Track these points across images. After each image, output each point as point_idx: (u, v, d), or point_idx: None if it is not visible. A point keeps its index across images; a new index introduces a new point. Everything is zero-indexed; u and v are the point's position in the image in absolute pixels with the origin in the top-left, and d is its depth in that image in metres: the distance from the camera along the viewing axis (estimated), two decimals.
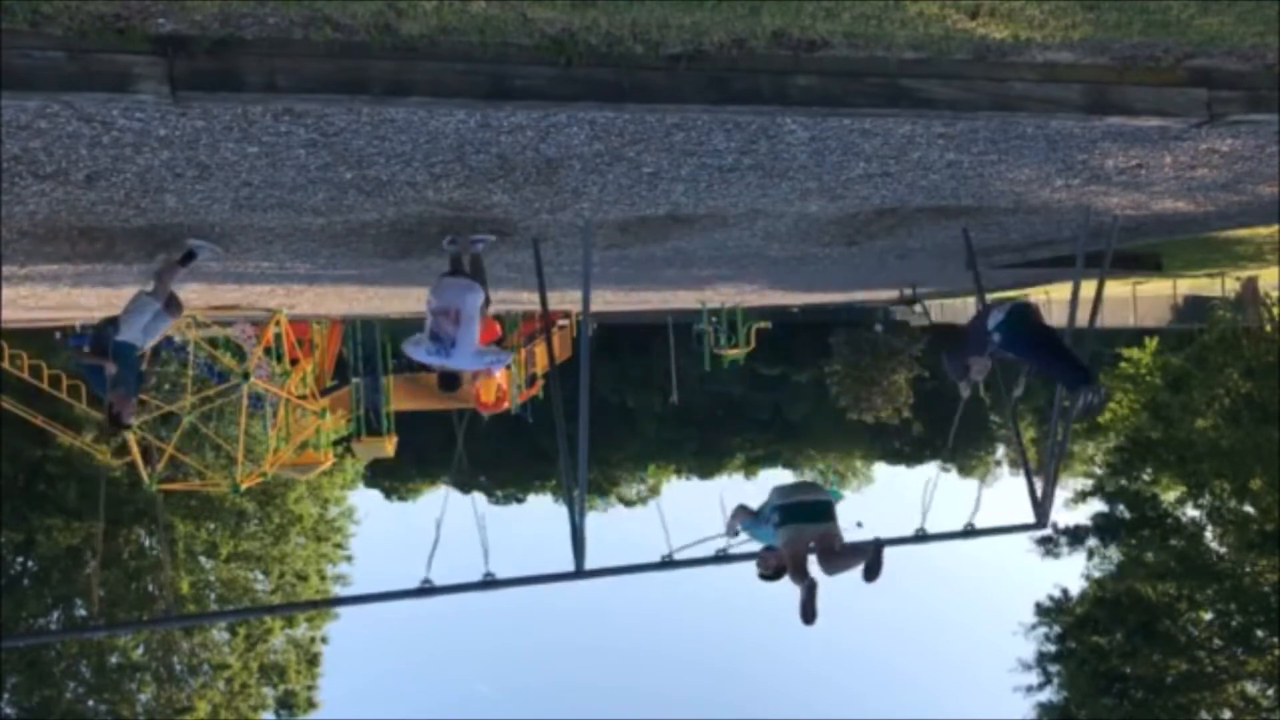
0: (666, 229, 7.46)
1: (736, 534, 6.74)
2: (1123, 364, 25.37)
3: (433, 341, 6.54)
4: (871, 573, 5.93)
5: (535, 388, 26.44)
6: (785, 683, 73.43)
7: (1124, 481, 23.96)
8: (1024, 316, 6.87)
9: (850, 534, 6.19)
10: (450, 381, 7.84)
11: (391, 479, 55.53)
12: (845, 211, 7.14)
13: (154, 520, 25.13)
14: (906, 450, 61.42)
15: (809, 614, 5.86)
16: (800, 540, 5.94)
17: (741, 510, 6.68)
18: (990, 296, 7.56)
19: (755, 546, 6.50)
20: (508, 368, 24.16)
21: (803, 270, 12.38)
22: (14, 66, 3.19)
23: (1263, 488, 20.28)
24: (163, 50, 3.32)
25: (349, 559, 33.67)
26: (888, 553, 6.07)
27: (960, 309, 35.94)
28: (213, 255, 6.96)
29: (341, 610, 32.13)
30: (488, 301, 6.90)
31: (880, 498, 64.43)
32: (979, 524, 7.58)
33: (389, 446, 25.18)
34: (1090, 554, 24.33)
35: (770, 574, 6.07)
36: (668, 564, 6.89)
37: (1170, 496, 23.41)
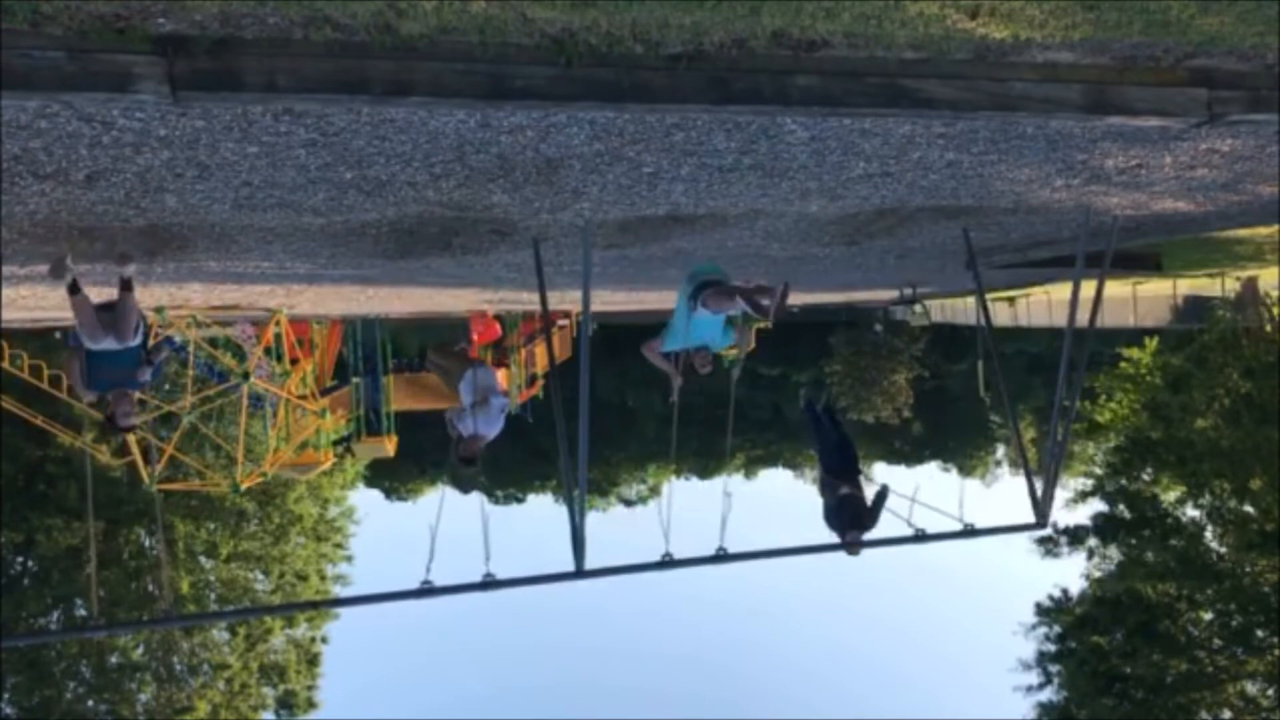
0: (666, 229, 7.46)
1: (669, 356, 7.05)
2: (1123, 364, 25.36)
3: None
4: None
5: (535, 388, 26.43)
6: (785, 683, 73.43)
7: (1124, 481, 23.94)
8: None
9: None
10: (470, 460, 8.00)
11: (391, 479, 55.52)
12: (845, 211, 7.14)
13: (154, 520, 25.12)
14: (906, 450, 61.42)
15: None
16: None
17: (652, 343, 7.10)
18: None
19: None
20: (508, 368, 24.19)
21: (803, 270, 12.38)
22: (14, 66, 3.19)
23: (1263, 488, 20.26)
24: (163, 50, 3.32)
25: (349, 559, 33.68)
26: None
27: (960, 309, 35.93)
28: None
29: (341, 610, 32.13)
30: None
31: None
32: (979, 524, 7.58)
33: (389, 446, 25.17)
34: (1090, 554, 24.32)
35: (711, 369, 6.73)
36: (668, 564, 6.90)
37: (1170, 496, 23.40)
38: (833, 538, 7.22)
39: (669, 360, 7.12)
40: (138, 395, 6.71)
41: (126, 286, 6.17)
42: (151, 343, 7.16)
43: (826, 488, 7.56)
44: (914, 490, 7.57)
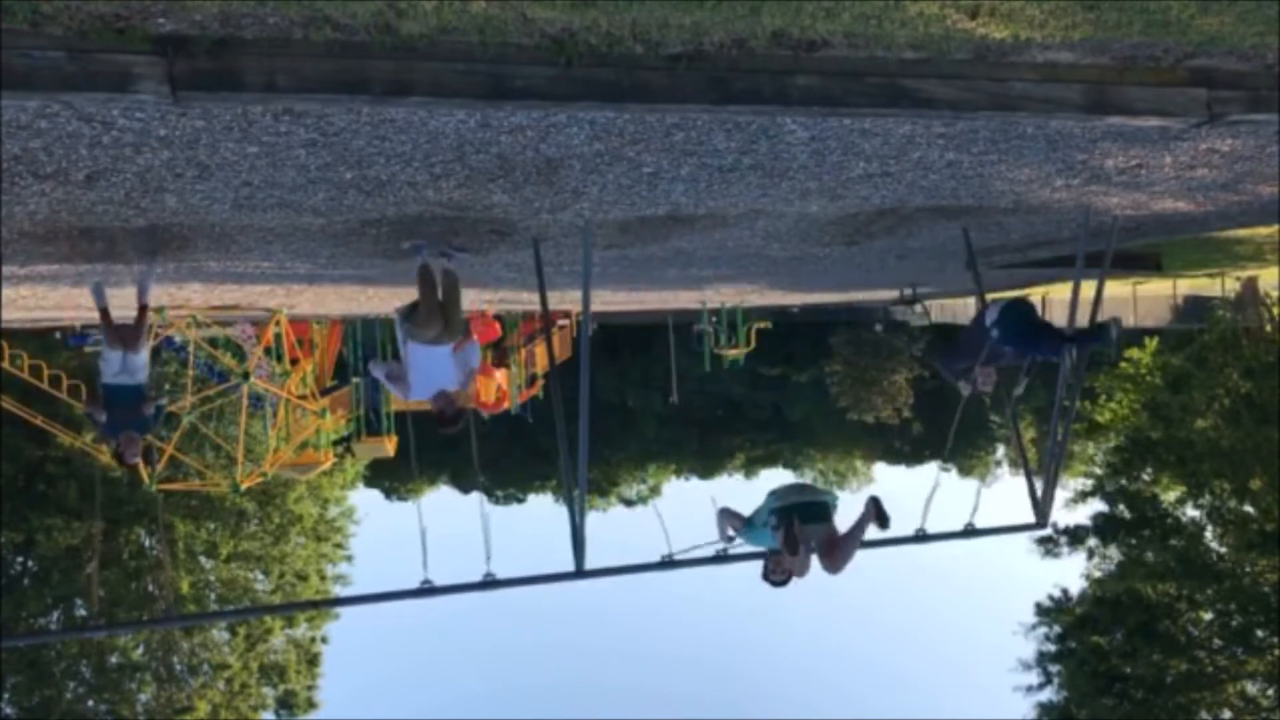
0: (666, 229, 7.46)
1: (731, 539, 6.64)
2: (1123, 364, 25.36)
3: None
4: (883, 520, 5.90)
5: (535, 388, 26.43)
6: (785, 683, 73.42)
7: (1124, 481, 23.95)
8: (1020, 310, 7.02)
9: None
10: (446, 419, 7.01)
11: (391, 479, 55.53)
12: (845, 211, 7.14)
13: (154, 520, 25.13)
14: (906, 450, 61.42)
15: (792, 562, 5.84)
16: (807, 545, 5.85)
17: (730, 515, 6.58)
18: (990, 296, 7.61)
19: (750, 548, 6.50)
20: (508, 368, 24.18)
21: (803, 270, 12.38)
22: (14, 66, 3.19)
23: (1263, 488, 20.27)
24: (163, 50, 3.32)
25: (349, 559, 33.69)
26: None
27: (960, 309, 35.93)
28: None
29: (341, 610, 32.14)
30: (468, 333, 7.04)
31: (880, 498, 64.26)
32: (979, 524, 7.58)
33: (389, 446, 25.17)
34: (1090, 554, 24.34)
35: (782, 580, 6.00)
36: (668, 564, 6.90)
37: (1170, 496, 23.41)
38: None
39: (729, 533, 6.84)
40: (143, 441, 7.67)
41: (143, 307, 7.41)
42: (150, 345, 7.80)
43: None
44: (931, 493, 7.53)
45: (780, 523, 5.90)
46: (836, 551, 5.87)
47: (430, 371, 6.80)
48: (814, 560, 5.89)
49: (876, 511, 5.86)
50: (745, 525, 6.40)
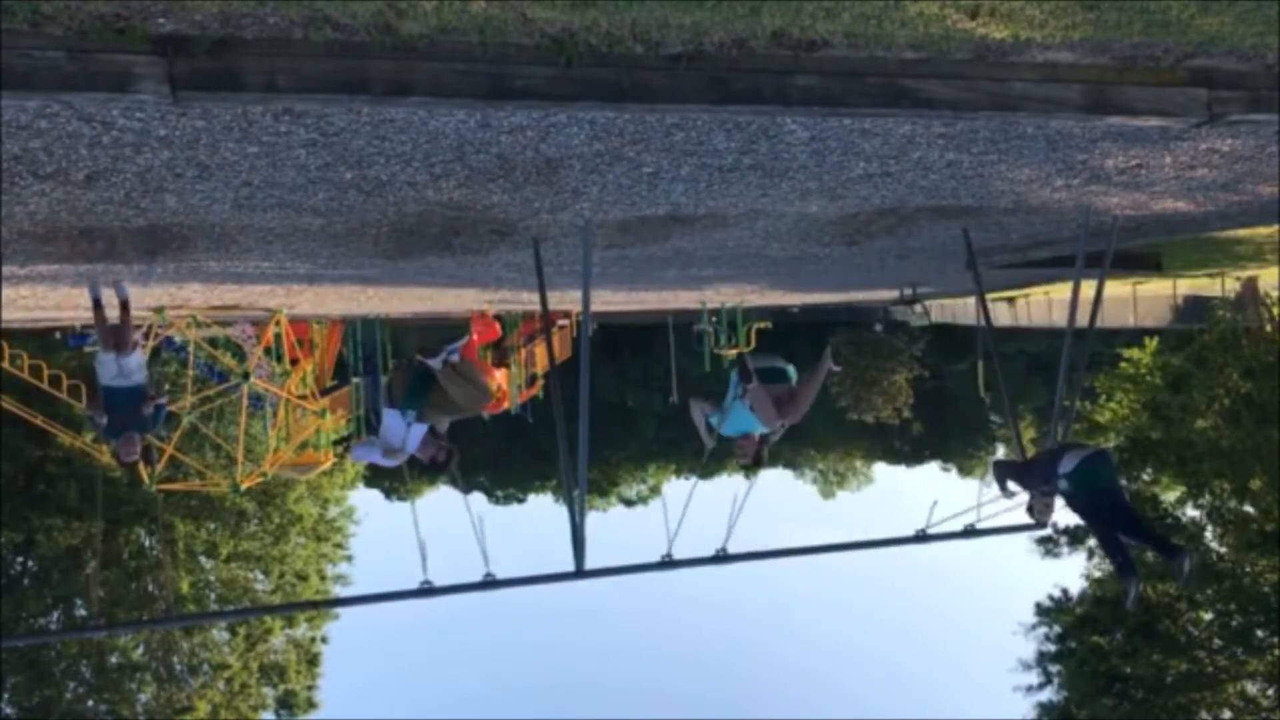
0: (666, 229, 7.46)
1: (711, 429, 7.08)
2: (1123, 364, 25.37)
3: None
4: (836, 361, 6.30)
5: (535, 388, 26.42)
6: (785, 683, 73.44)
7: (1124, 481, 23.96)
8: (1096, 475, 6.84)
9: None
10: (440, 465, 7.14)
11: (391, 479, 55.48)
12: (845, 211, 7.14)
13: (154, 520, 25.14)
14: (906, 450, 61.45)
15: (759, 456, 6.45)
16: (767, 392, 6.41)
17: (703, 407, 7.17)
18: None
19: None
20: (508, 368, 24.17)
21: (803, 270, 12.38)
22: (14, 66, 3.19)
23: (1263, 488, 20.27)
24: (163, 50, 3.31)
25: (349, 559, 33.70)
26: None
27: (960, 309, 35.94)
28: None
29: (341, 610, 32.15)
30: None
31: (880, 498, 64.49)
32: (979, 524, 7.58)
33: None
34: (1090, 554, 24.33)
35: (750, 462, 6.61)
36: (668, 564, 6.90)
37: (1170, 496, 23.41)
38: (816, 538, 7.19)
39: (708, 426, 7.12)
40: (142, 441, 7.66)
41: (124, 307, 6.95)
42: (151, 345, 7.79)
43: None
44: (979, 496, 7.52)
45: (741, 375, 6.48)
46: (796, 401, 6.30)
47: (400, 431, 6.99)
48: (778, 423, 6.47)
49: (832, 357, 6.31)
50: (717, 409, 6.73)
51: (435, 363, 6.85)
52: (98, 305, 6.96)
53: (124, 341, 7.44)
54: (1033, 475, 7.14)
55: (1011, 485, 7.32)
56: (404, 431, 6.81)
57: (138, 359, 7.61)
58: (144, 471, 17.39)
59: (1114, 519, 6.79)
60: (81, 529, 25.15)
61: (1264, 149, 5.71)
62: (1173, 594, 21.98)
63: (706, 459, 7.25)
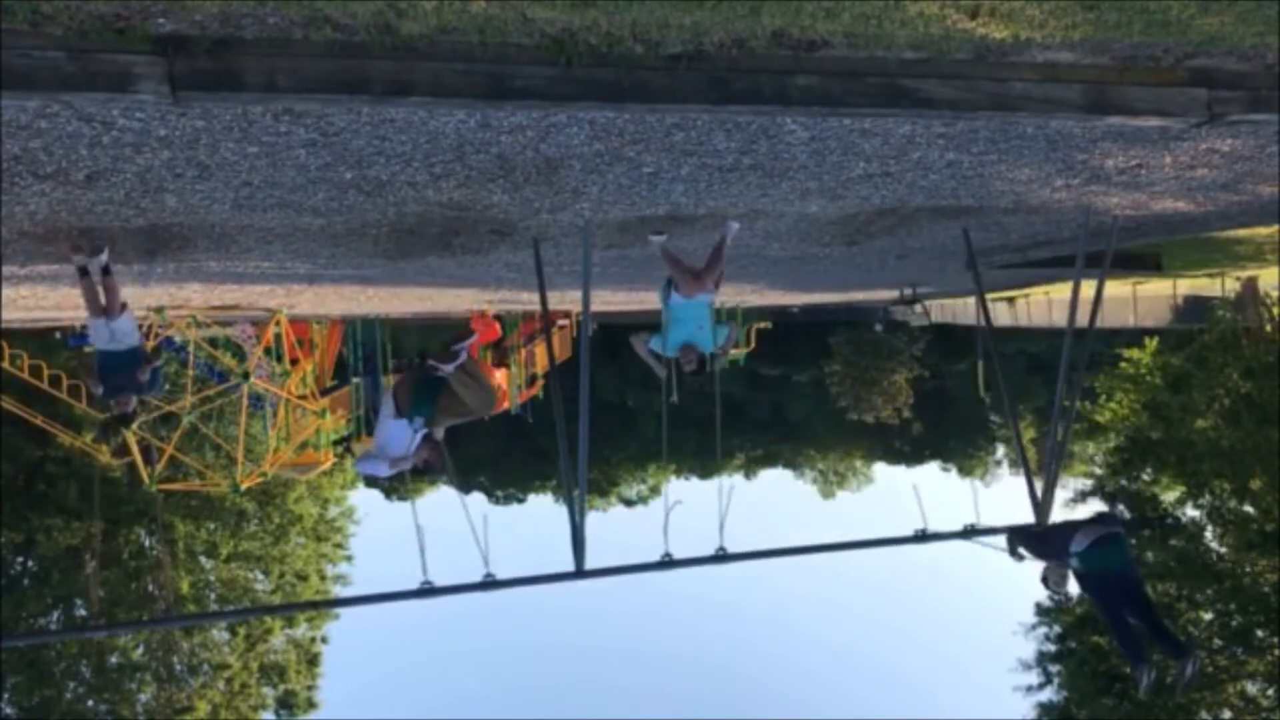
0: (666, 229, 7.46)
1: (659, 357, 7.28)
2: (1123, 364, 25.35)
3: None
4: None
5: (535, 388, 26.42)
6: (785, 683, 73.44)
7: (1124, 481, 23.94)
8: (1108, 558, 6.71)
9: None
10: (436, 468, 7.20)
11: (392, 479, 55.42)
12: (845, 211, 7.14)
13: (154, 520, 25.13)
14: (906, 450, 61.43)
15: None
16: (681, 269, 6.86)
17: (642, 336, 7.35)
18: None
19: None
20: (507, 367, 24.17)
21: (803, 270, 12.38)
22: (14, 66, 3.19)
23: (1263, 488, 20.26)
24: (163, 50, 3.31)
25: (349, 559, 33.68)
26: None
27: (960, 309, 35.93)
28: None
29: (341, 610, 32.15)
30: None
31: (880, 498, 64.46)
32: (979, 524, 7.58)
33: None
34: None
35: (697, 368, 7.02)
36: (668, 564, 6.90)
37: (1170, 496, 23.40)
38: (815, 538, 7.30)
39: (653, 354, 7.29)
40: (136, 400, 7.55)
41: (105, 271, 6.96)
42: (151, 345, 7.71)
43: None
44: (975, 495, 7.55)
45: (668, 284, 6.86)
46: (710, 266, 6.78)
47: (405, 440, 6.90)
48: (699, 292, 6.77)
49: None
50: (655, 334, 7.16)
51: (449, 369, 6.77)
52: (84, 273, 6.85)
53: (111, 305, 7.26)
54: (1046, 546, 7.06)
55: (1023, 551, 7.24)
56: (409, 439, 6.74)
57: (129, 322, 7.45)
58: (144, 471, 17.40)
59: (1126, 603, 6.67)
60: (81, 529, 25.14)
61: (1264, 149, 5.71)
62: (1172, 594, 21.98)
63: (669, 390, 7.66)
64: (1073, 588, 7.18)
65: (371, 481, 43.65)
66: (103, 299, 7.12)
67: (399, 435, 6.73)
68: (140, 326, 8.19)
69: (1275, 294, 21.54)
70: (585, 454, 6.50)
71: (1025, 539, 7.30)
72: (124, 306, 7.34)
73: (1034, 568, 7.17)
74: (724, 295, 22.57)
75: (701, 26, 3.58)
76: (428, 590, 6.55)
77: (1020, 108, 4.14)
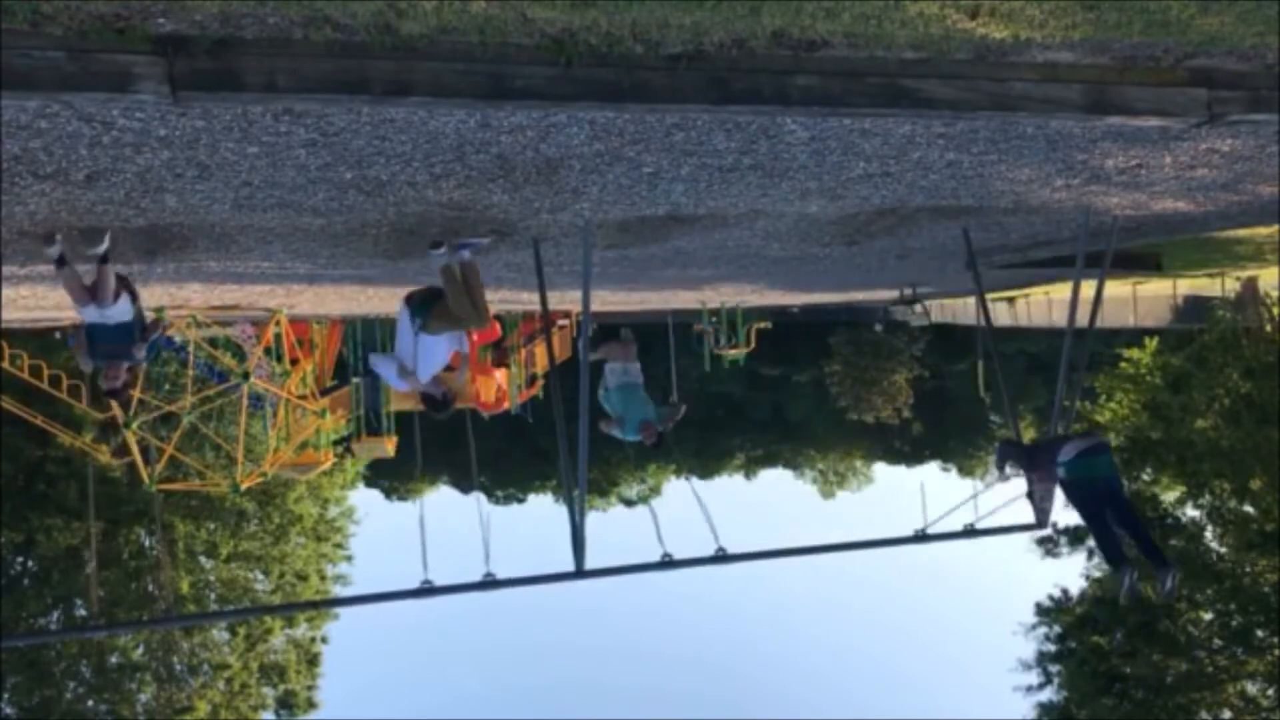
0: (666, 229, 7.46)
1: (621, 437, 8.44)
2: (1123, 364, 25.35)
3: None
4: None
5: (535, 388, 26.42)
6: (785, 683, 73.45)
7: (1123, 481, 23.93)
8: (1094, 465, 6.90)
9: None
10: (438, 404, 7.39)
11: (391, 479, 55.51)
12: (845, 211, 7.14)
13: (154, 520, 25.12)
14: (906, 450, 61.44)
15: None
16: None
17: (605, 423, 8.52)
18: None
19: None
20: (507, 367, 24.17)
21: (803, 270, 12.38)
22: (14, 66, 3.19)
23: (1263, 488, 20.26)
24: (163, 50, 3.32)
25: (349, 559, 33.68)
26: None
27: (960, 309, 35.94)
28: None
29: (341, 610, 32.14)
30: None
31: (880, 498, 64.48)
32: (979, 524, 7.58)
33: (389, 446, 25.16)
34: (1090, 554, 24.31)
35: (655, 441, 8.33)
36: (668, 564, 6.90)
37: (1170, 496, 23.40)
38: (815, 538, 7.42)
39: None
40: (127, 368, 7.13)
41: (103, 260, 6.45)
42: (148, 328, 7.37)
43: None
44: (974, 490, 7.63)
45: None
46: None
47: (434, 360, 7.02)
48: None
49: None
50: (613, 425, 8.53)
51: (440, 255, 6.70)
52: (61, 262, 6.29)
53: (102, 291, 6.57)
54: (1035, 459, 7.27)
55: (1010, 468, 7.50)
56: (412, 342, 6.83)
57: (124, 305, 6.94)
58: (144, 471, 17.40)
59: (1111, 511, 6.84)
60: (81, 529, 25.14)
61: (1264, 149, 5.71)
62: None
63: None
64: (1060, 504, 7.34)
65: (376, 472, 43.48)
66: (88, 281, 6.56)
67: (405, 338, 6.94)
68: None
69: (1275, 294, 21.54)
70: (585, 454, 6.51)
71: (1015, 453, 7.49)
72: (119, 293, 6.72)
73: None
74: (723, 296, 22.61)
75: (701, 26, 3.58)
76: (428, 590, 6.55)
77: (1020, 108, 4.14)
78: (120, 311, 6.86)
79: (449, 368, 7.33)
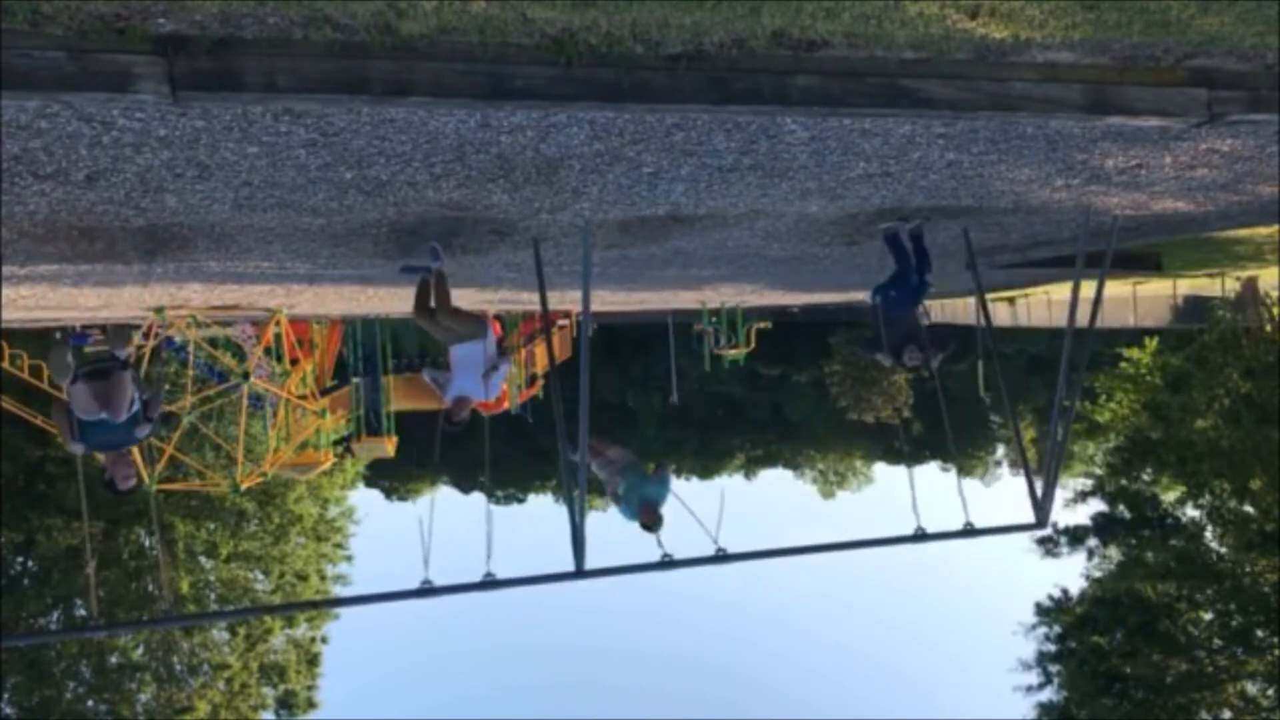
0: (666, 229, 7.46)
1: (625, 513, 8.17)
2: (1123, 364, 25.36)
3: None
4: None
5: (535, 388, 26.43)
6: (785, 683, 73.45)
7: (1124, 481, 23.94)
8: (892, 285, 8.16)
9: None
10: (461, 422, 7.83)
11: (391, 479, 55.53)
12: (845, 211, 7.14)
13: (154, 520, 25.12)
14: (906, 450, 61.41)
15: None
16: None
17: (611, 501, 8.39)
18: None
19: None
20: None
21: (803, 270, 12.38)
22: (14, 66, 3.19)
23: (1263, 488, 20.27)
24: (163, 50, 3.32)
25: (349, 559, 33.68)
26: None
27: (960, 309, 35.95)
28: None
29: (341, 610, 32.15)
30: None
31: (880, 498, 64.45)
32: (979, 524, 7.58)
33: (389, 446, 25.17)
34: (1090, 554, 24.34)
35: (652, 524, 7.83)
36: (668, 564, 6.89)
37: (1170, 496, 23.41)
38: (815, 538, 7.64)
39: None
40: (136, 465, 6.47)
41: (121, 364, 6.09)
42: (150, 346, 7.02)
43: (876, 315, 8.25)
44: (959, 490, 7.71)
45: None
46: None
47: (470, 366, 7.58)
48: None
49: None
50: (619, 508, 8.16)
51: (409, 274, 7.16)
52: (124, 364, 5.59)
53: (116, 404, 5.91)
54: (883, 334, 8.14)
55: (879, 356, 8.30)
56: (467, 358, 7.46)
57: (132, 413, 6.23)
58: (144, 471, 17.40)
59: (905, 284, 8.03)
60: (81, 529, 25.12)
61: (1264, 149, 5.71)
62: (1172, 594, 21.98)
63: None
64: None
65: (376, 472, 43.69)
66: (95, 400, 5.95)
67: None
68: (138, 327, 7.72)
69: (1275, 294, 21.55)
70: (585, 454, 6.50)
71: (868, 343, 8.52)
72: (132, 404, 6.22)
73: None
74: (723, 296, 22.62)
75: (701, 26, 3.58)
76: (428, 590, 6.54)
77: (1020, 108, 4.14)
78: (130, 417, 6.41)
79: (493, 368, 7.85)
